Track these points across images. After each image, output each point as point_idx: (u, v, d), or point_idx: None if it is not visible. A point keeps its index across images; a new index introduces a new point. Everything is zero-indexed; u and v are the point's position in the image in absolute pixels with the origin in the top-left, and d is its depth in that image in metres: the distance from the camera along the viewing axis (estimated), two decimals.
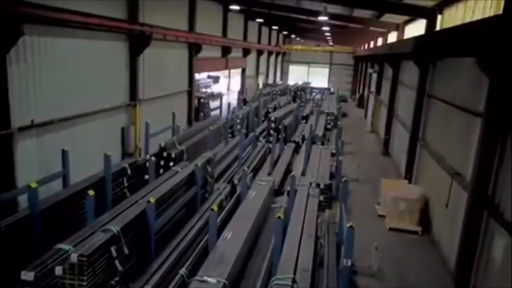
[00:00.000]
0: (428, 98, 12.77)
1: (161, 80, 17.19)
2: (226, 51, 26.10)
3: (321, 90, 39.45)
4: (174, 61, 18.76)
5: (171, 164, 11.89)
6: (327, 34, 34.60)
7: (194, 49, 20.31)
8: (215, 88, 48.59)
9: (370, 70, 30.30)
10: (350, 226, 6.30)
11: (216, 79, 53.71)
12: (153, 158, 10.10)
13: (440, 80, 11.78)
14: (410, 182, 13.66)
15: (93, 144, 12.19)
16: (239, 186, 11.90)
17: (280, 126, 18.57)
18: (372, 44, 32.89)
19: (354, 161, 18.09)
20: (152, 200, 6.96)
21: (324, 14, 20.61)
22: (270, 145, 18.25)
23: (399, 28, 18.96)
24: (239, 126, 18.96)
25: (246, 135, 18.92)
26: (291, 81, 51.25)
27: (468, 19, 10.15)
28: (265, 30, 39.54)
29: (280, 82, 47.84)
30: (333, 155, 16.58)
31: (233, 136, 18.72)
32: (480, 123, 8.31)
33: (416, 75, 14.63)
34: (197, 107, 24.71)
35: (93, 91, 12.14)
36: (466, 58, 9.77)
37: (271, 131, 18.74)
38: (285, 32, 45.85)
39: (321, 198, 11.89)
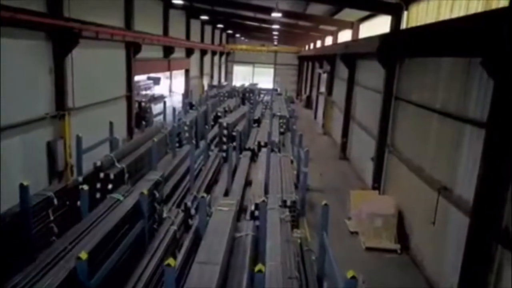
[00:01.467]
0: (396, 101, 11.84)
1: (95, 85, 14.87)
2: (168, 51, 23.95)
3: (268, 92, 38.34)
4: (110, 63, 16.47)
5: (110, 187, 9.88)
6: (274, 33, 33.53)
7: (132, 49, 18.08)
8: (157, 90, 46.62)
9: (319, 70, 29.61)
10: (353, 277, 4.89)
11: (156, 81, 51.16)
12: (85, 187, 8.03)
13: (412, 82, 10.84)
14: (379, 191, 12.68)
15: (9, 167, 9.82)
16: (194, 211, 10.19)
17: (233, 133, 16.94)
18: (319, 43, 32.31)
19: (312, 167, 16.88)
20: (83, 256, 5.05)
21: (277, 11, 19.79)
22: (224, 154, 16.65)
23: (354, 26, 18.13)
24: (187, 134, 17.07)
25: (196, 144, 17.11)
26: (235, 82, 49.82)
27: (444, 17, 9.23)
28: (208, 29, 37.68)
29: (225, 83, 46.18)
30: (292, 162, 15.37)
31: (180, 146, 16.81)
32: (475, 133, 7.31)
33: (378, 76, 13.73)
34: (138, 113, 22.41)
35: (4, 101, 9.73)
36: (446, 58, 8.82)
37: (224, 139, 17.10)
38: (229, 31, 44.24)
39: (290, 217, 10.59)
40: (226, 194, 11.81)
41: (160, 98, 41.51)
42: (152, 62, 21.73)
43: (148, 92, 43.15)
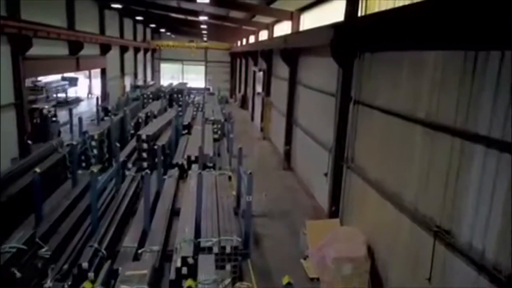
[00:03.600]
0: (356, 105, 9.52)
1: None
2: (75, 47, 19.92)
3: (200, 91, 35.16)
4: None
5: None
6: (203, 26, 30.64)
7: (20, 44, 14.07)
8: (75, 92, 41.16)
9: (254, 68, 27.10)
10: None
11: (73, 81, 45.51)
12: None
13: (379, 83, 8.55)
14: (337, 215, 10.34)
15: None
16: (93, 275, 7.02)
17: (155, 147, 13.77)
18: (253, 38, 29.81)
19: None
20: None
21: (203, 14, 20.78)
22: (144, 173, 13.46)
23: (293, 16, 15.75)
24: (95, 151, 13.54)
25: (109, 163, 13.67)
26: (164, 81, 45.91)
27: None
28: (128, 22, 33.51)
29: (152, 83, 42.11)
30: (229, 178, 12.66)
31: (88, 167, 13.26)
32: (492, 156, 5.07)
33: (329, 75, 11.41)
34: (37, 124, 18.24)
35: None
36: (431, 52, 6.57)
37: (144, 154, 13.83)
38: (152, 25, 40.14)
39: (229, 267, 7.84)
40: (143, 238, 8.70)
41: (75, 102, 36.52)
42: (52, 61, 17.64)
43: (61, 95, 37.93)
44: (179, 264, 7.28)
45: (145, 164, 13.68)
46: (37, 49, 15.20)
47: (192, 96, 30.64)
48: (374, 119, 8.72)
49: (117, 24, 30.26)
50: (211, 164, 13.94)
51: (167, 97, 27.97)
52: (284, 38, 14.94)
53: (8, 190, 8.49)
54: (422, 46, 6.77)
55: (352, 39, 9.10)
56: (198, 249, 7.84)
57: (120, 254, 7.95)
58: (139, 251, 7.94)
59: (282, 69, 18.44)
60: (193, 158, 13.83)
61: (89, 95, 39.59)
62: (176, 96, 28.28)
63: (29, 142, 11.94)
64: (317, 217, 11.77)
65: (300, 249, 9.63)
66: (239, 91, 40.15)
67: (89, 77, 42.42)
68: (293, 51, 15.21)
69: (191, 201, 10.01)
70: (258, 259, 9.39)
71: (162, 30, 44.08)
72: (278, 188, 14.31)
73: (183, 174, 13.71)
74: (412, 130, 7.13)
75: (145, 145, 13.61)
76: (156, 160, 12.68)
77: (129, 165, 13.67)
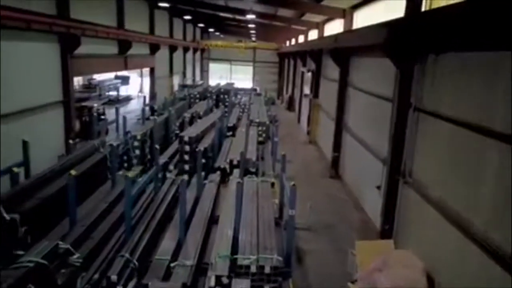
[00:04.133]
0: (417, 113, 8.42)
1: (4, 91, 10.98)
2: (124, 46, 20.07)
3: (247, 92, 34.71)
4: (34, 61, 12.57)
5: None
6: (251, 25, 30.18)
7: (69, 43, 14.19)
8: (127, 91, 42.27)
9: (302, 69, 26.17)
10: None
11: (125, 80, 46.83)
12: None
13: (445, 88, 7.43)
14: (390, 234, 9.27)
15: None
16: None
17: (197, 149, 13.33)
18: (302, 38, 28.87)
19: (297, 189, 13.38)
20: None
21: (251, 13, 20.45)
22: (186, 177, 13.06)
23: (346, 14, 14.71)
24: (137, 152, 13.31)
25: (150, 164, 13.41)
26: (212, 81, 46.09)
27: None
28: (178, 22, 33.75)
29: (200, 82, 42.31)
30: (272, 185, 11.91)
31: (129, 167, 13.06)
32: None
33: (384, 77, 10.34)
34: (86, 122, 18.55)
35: None
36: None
37: (186, 157, 13.44)
38: (201, 25, 40.20)
39: None
40: (177, 249, 8.17)
41: (125, 100, 37.40)
42: (100, 60, 17.81)
43: (113, 93, 39.05)
44: (212, 283, 6.66)
45: (186, 167, 13.30)
46: (85, 48, 15.33)
47: (238, 96, 30.19)
48: (438, 129, 7.61)
49: (167, 24, 30.50)
50: (253, 169, 13.30)
51: (214, 98, 27.76)
52: (335, 37, 13.95)
53: (43, 192, 8.28)
54: (501, 46, 5.65)
55: (413, 38, 8.02)
56: (235, 267, 7.19)
57: (151, 266, 7.48)
58: (172, 264, 7.41)
59: (331, 70, 17.42)
60: (235, 162, 13.26)
61: (139, 94, 40.43)
62: (222, 96, 27.98)
63: (70, 141, 11.82)
64: (367, 233, 10.74)
65: (347, 270, 8.67)
66: (286, 92, 39.30)
67: (141, 76, 43.47)
68: (344, 51, 14.18)
69: (230, 210, 9.41)
70: (300, 279, 8.55)
71: (211, 30, 44.19)
72: (324, 198, 13.36)
73: (224, 178, 13.20)
74: (486, 144, 6.00)
75: (187, 147, 13.21)
76: (197, 163, 12.20)
77: (171, 167, 13.35)
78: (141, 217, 9.70)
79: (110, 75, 42.80)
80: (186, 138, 13.16)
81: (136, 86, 43.69)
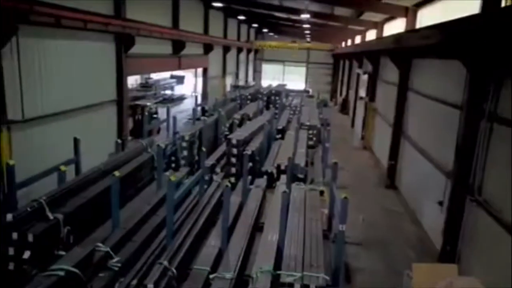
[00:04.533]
0: (491, 123, 7.40)
1: (62, 89, 11.29)
2: (178, 46, 20.23)
3: (298, 93, 33.97)
4: (89, 59, 12.84)
5: (27, 255, 6.25)
6: (305, 30, 29.54)
7: (124, 42, 14.42)
8: (181, 90, 43.17)
9: (358, 71, 25.06)
10: None
11: (180, 79, 47.85)
12: None
13: None
14: (453, 258, 8.28)
15: None
16: None
17: (245, 152, 12.94)
18: (359, 39, 27.70)
19: (349, 198, 12.55)
20: None
21: (306, 12, 19.90)
22: (233, 180, 12.74)
23: (408, 12, 13.65)
24: (185, 153, 13.16)
25: (196, 165, 13.22)
26: (265, 82, 45.88)
27: None
28: (233, 23, 33.80)
29: (252, 83, 42.23)
30: (321, 193, 11.22)
31: (177, 168, 12.95)
32: None
33: (453, 82, 9.31)
34: (139, 120, 18.90)
35: None
36: None
37: (233, 160, 13.11)
38: (255, 25, 39.99)
39: None
40: (218, 258, 7.79)
41: (179, 100, 38.11)
42: (155, 60, 18.02)
43: (168, 92, 40.00)
44: None
45: (233, 170, 12.96)
46: (140, 47, 15.52)
47: (290, 98, 29.56)
48: None
49: (221, 24, 30.59)
50: (301, 176, 12.67)
51: (265, 99, 27.39)
52: (395, 37, 12.96)
53: (88, 192, 8.26)
54: None
55: (491, 38, 7.03)
56: (277, 283, 6.66)
57: (190, 275, 7.13)
58: (211, 276, 7.02)
59: (390, 73, 16.35)
60: (283, 167, 12.71)
61: (193, 93, 41.05)
62: (273, 98, 27.52)
63: (118, 140, 11.86)
64: (424, 252, 9.78)
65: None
66: (340, 95, 38.11)
67: (195, 75, 44.22)
68: (405, 52, 13.14)
69: (275, 219, 8.89)
70: None
71: (265, 30, 43.91)
72: (377, 210, 12.45)
73: (271, 183, 12.70)
74: None
75: (234, 150, 12.87)
76: (244, 167, 11.80)
77: (218, 169, 13.07)
78: (184, 220, 9.45)
79: (166, 74, 44.02)
80: (233, 141, 12.83)
81: (190, 85, 44.43)
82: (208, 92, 27.30)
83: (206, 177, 12.47)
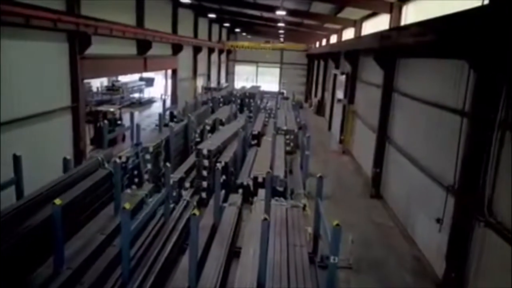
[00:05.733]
0: (503, 131, 6.35)
1: (3, 96, 9.62)
2: (143, 46, 18.64)
3: (273, 95, 32.81)
4: (38, 61, 11.19)
5: None
6: (279, 29, 28.43)
7: (78, 42, 12.78)
8: (151, 93, 41.12)
9: (335, 71, 24.10)
10: None
11: (150, 82, 45.71)
12: None
13: None
14: (459, 285, 7.20)
15: None
16: None
17: (217, 164, 11.60)
18: (335, 38, 26.80)
19: (333, 210, 11.32)
20: None
21: (281, 9, 19.40)
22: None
23: (393, 8, 12.65)
24: (149, 166, 11.67)
25: (162, 178, 11.74)
26: (238, 83, 44.61)
27: None
28: (203, 22, 32.29)
29: (225, 85, 40.80)
30: (303, 207, 10.03)
31: (141, 183, 11.44)
32: None
33: (445, 82, 8.29)
34: (100, 128, 17.13)
35: None
36: None
37: (204, 172, 11.73)
38: (227, 24, 38.51)
39: None
40: None
41: (147, 103, 36.16)
42: (116, 61, 16.37)
43: (136, 95, 37.90)
44: None
45: (204, 183, 11.59)
46: (99, 48, 13.93)
47: (264, 101, 28.35)
48: None
49: (191, 23, 29.06)
50: (281, 188, 11.45)
51: (238, 102, 26.06)
52: (381, 34, 11.94)
53: (25, 223, 6.69)
54: None
55: (501, 32, 5.98)
56: None
57: None
58: None
59: (372, 73, 15.38)
60: (260, 179, 11.45)
61: (163, 96, 39.21)
62: (247, 100, 26.22)
63: (67, 157, 10.21)
64: (422, 275, 8.72)
65: None
66: (315, 96, 37.22)
67: (165, 77, 42.33)
68: (392, 51, 12.14)
69: (254, 245, 7.61)
70: None
71: (238, 30, 42.53)
72: (364, 224, 11.34)
73: (248, 197, 11.41)
74: None
75: (205, 162, 11.51)
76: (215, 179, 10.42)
77: (187, 184, 11.66)
78: (148, 249, 8.07)
79: (136, 76, 41.90)
80: (204, 151, 11.47)
81: (161, 88, 42.59)
82: (178, 95, 25.72)
83: (174, 193, 11.11)
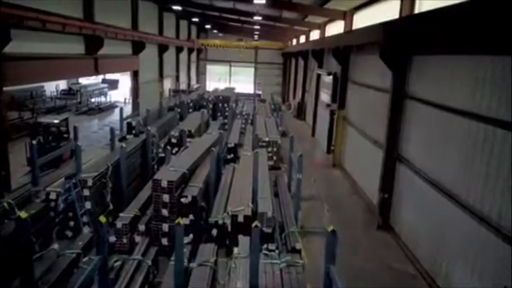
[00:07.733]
0: None
1: None
2: (93, 44, 15.43)
3: (249, 97, 29.94)
4: None
5: None
6: (253, 26, 25.81)
7: None
8: (114, 96, 37.26)
9: (319, 71, 21.47)
10: None
11: (113, 84, 41.69)
12: None
13: None
14: None
15: None
16: None
17: (182, 199, 8.67)
18: (317, 34, 24.19)
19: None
20: None
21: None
22: (164, 242, 8.52)
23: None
24: (88, 206, 8.58)
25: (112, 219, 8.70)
26: (210, 84, 41.62)
27: None
28: (170, 18, 29.10)
29: (196, 86, 37.63)
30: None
31: (78, 231, 8.37)
32: None
33: (491, 87, 5.70)
34: (42, 144, 13.93)
35: None
36: None
37: (164, 212, 8.72)
38: (195, 19, 35.05)
39: None
40: None
41: (109, 109, 32.38)
42: (55, 62, 13.12)
43: (97, 100, 34.07)
44: None
45: (165, 227, 8.59)
46: (29, 45, 10.76)
47: (240, 104, 25.38)
48: None
49: (156, 19, 25.84)
50: (269, 230, 8.60)
51: (211, 106, 22.97)
52: (381, 26, 9.35)
53: None
54: None
55: None
56: None
57: None
58: None
59: (369, 73, 12.83)
60: (240, 218, 8.56)
61: (127, 101, 35.64)
62: (221, 105, 23.14)
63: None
64: None
65: None
66: (294, 97, 34.62)
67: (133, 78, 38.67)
68: (402, 46, 9.54)
69: None
70: None
71: (208, 26, 39.30)
72: (378, 271, 8.68)
73: (224, 242, 8.49)
74: None
75: (165, 197, 8.52)
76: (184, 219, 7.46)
77: (141, 227, 8.64)
78: None
79: (99, 78, 38.07)
80: (163, 183, 8.46)
81: (127, 91, 39.00)
82: (143, 100, 22.46)
83: (125, 240, 8.15)
